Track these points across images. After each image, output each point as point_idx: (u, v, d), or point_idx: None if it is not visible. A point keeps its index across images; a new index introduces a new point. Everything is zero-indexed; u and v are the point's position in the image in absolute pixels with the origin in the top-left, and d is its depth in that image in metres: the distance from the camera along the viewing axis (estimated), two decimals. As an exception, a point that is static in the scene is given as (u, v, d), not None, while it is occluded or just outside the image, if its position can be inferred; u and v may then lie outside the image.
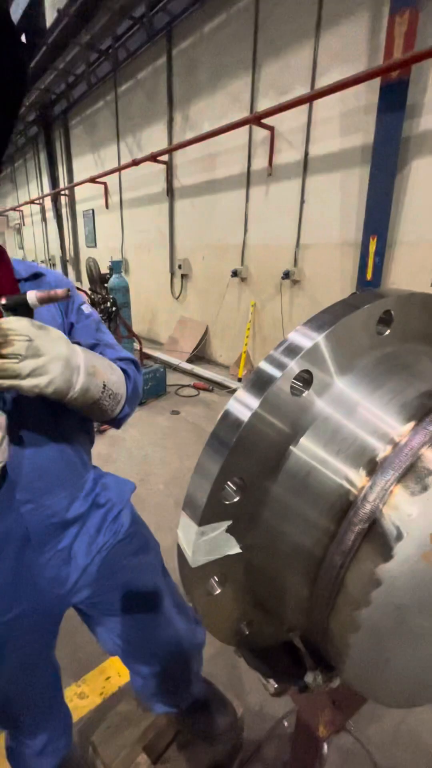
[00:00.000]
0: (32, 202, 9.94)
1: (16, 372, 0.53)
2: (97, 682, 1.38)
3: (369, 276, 3.38)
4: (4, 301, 0.55)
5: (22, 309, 0.55)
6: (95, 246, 8.10)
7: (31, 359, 0.54)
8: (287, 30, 3.72)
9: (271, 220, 4.30)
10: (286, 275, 4.08)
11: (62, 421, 0.70)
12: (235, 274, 4.71)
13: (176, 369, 5.09)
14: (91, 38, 5.54)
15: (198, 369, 4.93)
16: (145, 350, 4.95)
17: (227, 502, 0.35)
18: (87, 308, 0.78)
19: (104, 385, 0.65)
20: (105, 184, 7.00)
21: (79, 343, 0.73)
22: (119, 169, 6.10)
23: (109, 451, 3.10)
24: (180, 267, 5.60)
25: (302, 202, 3.92)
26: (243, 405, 0.36)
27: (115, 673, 1.42)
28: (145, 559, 0.86)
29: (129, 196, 6.59)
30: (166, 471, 2.82)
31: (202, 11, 4.50)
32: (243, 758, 1.15)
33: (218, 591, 0.39)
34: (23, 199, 10.85)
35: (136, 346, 4.43)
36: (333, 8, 3.34)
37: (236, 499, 0.35)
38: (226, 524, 0.36)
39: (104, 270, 4.41)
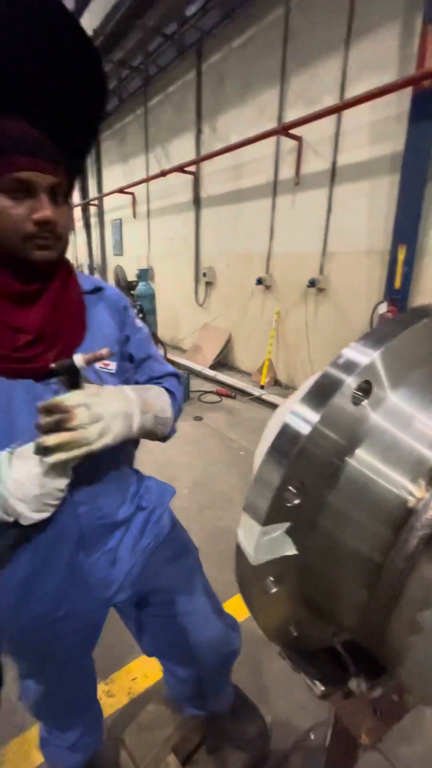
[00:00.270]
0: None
1: (87, 439, 0.58)
2: (124, 682, 1.41)
3: (397, 285, 3.34)
4: (53, 366, 0.58)
5: (71, 372, 0.57)
6: (122, 254, 8.31)
7: (95, 424, 0.59)
8: (316, 41, 3.77)
9: (297, 228, 4.32)
10: (312, 283, 4.08)
11: None
12: (259, 282, 4.74)
13: (199, 375, 5.14)
14: (124, 55, 5.76)
15: (221, 375, 4.96)
16: (169, 356, 5.03)
17: (289, 505, 0.37)
18: (138, 322, 0.83)
19: (155, 416, 0.72)
20: (133, 194, 7.20)
21: (132, 356, 0.77)
22: (147, 180, 6.27)
23: (134, 455, 3.15)
24: (205, 275, 5.68)
25: (329, 210, 3.92)
26: (302, 419, 0.38)
27: (142, 674, 1.44)
28: (185, 562, 0.89)
29: (156, 206, 6.75)
30: (189, 476, 2.85)
31: (231, 26, 4.61)
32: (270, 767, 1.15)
33: (274, 590, 0.41)
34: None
35: (161, 351, 4.51)
36: (364, 18, 3.37)
37: (297, 502, 0.38)
38: (285, 525, 0.38)
39: (131, 277, 4.54)
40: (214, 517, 2.39)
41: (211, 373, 5.09)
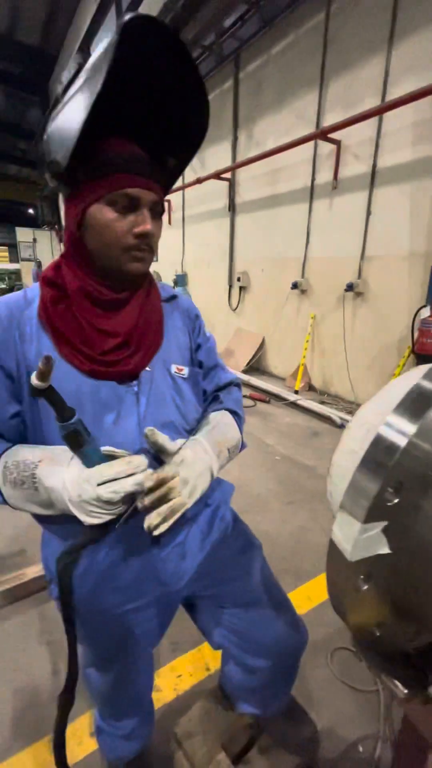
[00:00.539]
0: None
1: (183, 503, 0.65)
2: (169, 678, 1.44)
3: (441, 288, 3.23)
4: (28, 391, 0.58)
5: (36, 391, 0.55)
6: (156, 260, 8.49)
7: (186, 487, 0.65)
8: (357, 44, 3.74)
9: (334, 232, 4.28)
10: (350, 287, 4.02)
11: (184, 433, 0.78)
12: (295, 286, 4.71)
13: (232, 379, 5.16)
14: (163, 68, 5.93)
15: (254, 380, 4.97)
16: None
17: (389, 504, 0.38)
18: (207, 331, 0.87)
19: (228, 451, 0.77)
20: (169, 201, 7.37)
21: (201, 363, 0.81)
22: (183, 188, 6.40)
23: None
24: (239, 279, 5.71)
25: (368, 213, 3.85)
26: (397, 431, 0.39)
27: (187, 672, 1.46)
28: (251, 555, 0.92)
29: (191, 213, 6.87)
30: (226, 480, 2.86)
31: (270, 34, 4.65)
32: (318, 775, 1.13)
33: (365, 587, 0.43)
34: (92, 217, 11.70)
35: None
36: (407, 18, 3.31)
37: (395, 501, 0.39)
38: (382, 524, 0.40)
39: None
40: (252, 520, 2.37)
41: (245, 377, 5.10)
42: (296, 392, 4.56)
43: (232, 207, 5.78)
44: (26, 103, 14.96)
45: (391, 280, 3.78)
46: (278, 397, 4.47)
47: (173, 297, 0.83)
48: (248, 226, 5.59)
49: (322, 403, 4.25)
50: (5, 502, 0.67)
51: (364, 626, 0.47)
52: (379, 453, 0.39)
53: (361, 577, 0.43)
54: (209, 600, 0.90)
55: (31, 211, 17.23)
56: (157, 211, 0.66)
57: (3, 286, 13.82)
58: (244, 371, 5.37)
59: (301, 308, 4.89)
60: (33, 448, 0.66)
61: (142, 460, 0.61)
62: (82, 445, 0.60)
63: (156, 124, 0.66)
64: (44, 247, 14.39)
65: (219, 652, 1.52)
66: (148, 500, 0.61)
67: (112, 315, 0.67)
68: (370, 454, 0.40)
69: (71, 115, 0.55)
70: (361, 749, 1.25)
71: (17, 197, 17.08)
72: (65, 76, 0.58)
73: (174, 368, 0.75)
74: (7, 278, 14.29)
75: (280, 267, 5.10)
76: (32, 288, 0.70)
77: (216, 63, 5.50)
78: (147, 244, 0.65)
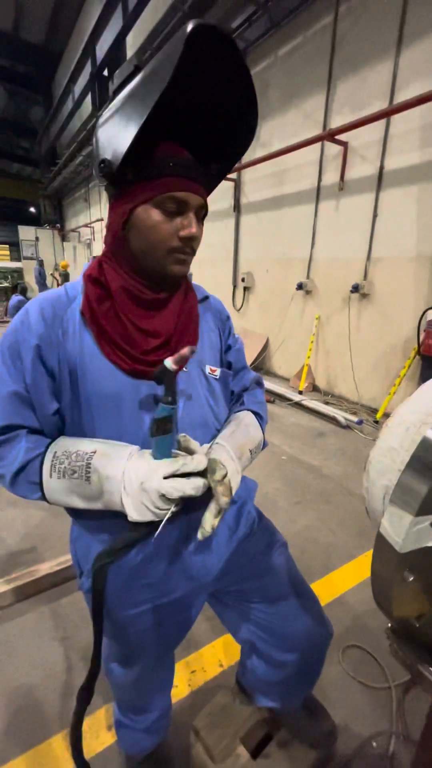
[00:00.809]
0: (103, 219, 10.70)
1: (228, 504, 0.65)
2: (184, 674, 1.45)
3: (448, 290, 3.25)
4: (155, 374, 0.61)
5: (166, 374, 0.59)
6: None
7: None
8: (366, 47, 3.75)
9: (340, 233, 4.29)
10: (355, 289, 4.03)
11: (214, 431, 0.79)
12: (300, 287, 4.73)
13: (236, 379, 5.17)
14: (169, 68, 5.94)
15: (258, 380, 4.98)
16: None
17: (439, 499, 0.40)
18: (236, 332, 0.89)
19: (250, 452, 0.76)
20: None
21: (230, 364, 0.82)
22: (188, 188, 6.41)
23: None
24: (243, 280, 5.73)
25: (375, 215, 3.87)
26: None
27: (200, 667, 1.48)
28: (277, 551, 0.93)
29: (195, 213, 6.88)
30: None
31: (277, 36, 4.67)
32: (333, 770, 1.15)
33: (411, 579, 0.44)
34: (95, 216, 11.71)
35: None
36: (416, 22, 3.33)
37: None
38: (430, 518, 0.41)
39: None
40: (259, 519, 2.41)
41: (249, 377, 5.11)
42: (300, 393, 4.58)
43: (237, 207, 5.79)
44: (30, 101, 14.97)
45: (397, 281, 3.80)
46: (282, 398, 4.49)
47: (205, 298, 0.84)
48: (253, 226, 5.61)
49: (327, 403, 4.26)
50: (42, 497, 0.68)
51: (406, 617, 0.49)
52: (428, 453, 0.41)
53: (408, 569, 0.44)
54: (236, 595, 0.91)
55: (32, 209, 17.25)
56: (201, 215, 0.68)
57: (6, 284, 13.84)
58: (248, 371, 5.38)
59: (306, 309, 4.91)
60: (81, 440, 0.67)
61: (203, 460, 0.62)
62: (169, 431, 0.61)
63: (205, 129, 0.68)
64: (46, 246, 14.40)
65: (231, 649, 1.54)
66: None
67: (153, 315, 0.69)
68: (418, 457, 0.42)
69: (127, 118, 0.57)
70: (374, 745, 1.26)
71: (19, 195, 17.11)
72: (117, 77, 0.60)
73: (208, 369, 0.77)
74: (9, 276, 14.32)
75: (285, 268, 5.12)
76: (72, 285, 0.72)
77: (222, 64, 5.51)
78: (190, 247, 0.66)
